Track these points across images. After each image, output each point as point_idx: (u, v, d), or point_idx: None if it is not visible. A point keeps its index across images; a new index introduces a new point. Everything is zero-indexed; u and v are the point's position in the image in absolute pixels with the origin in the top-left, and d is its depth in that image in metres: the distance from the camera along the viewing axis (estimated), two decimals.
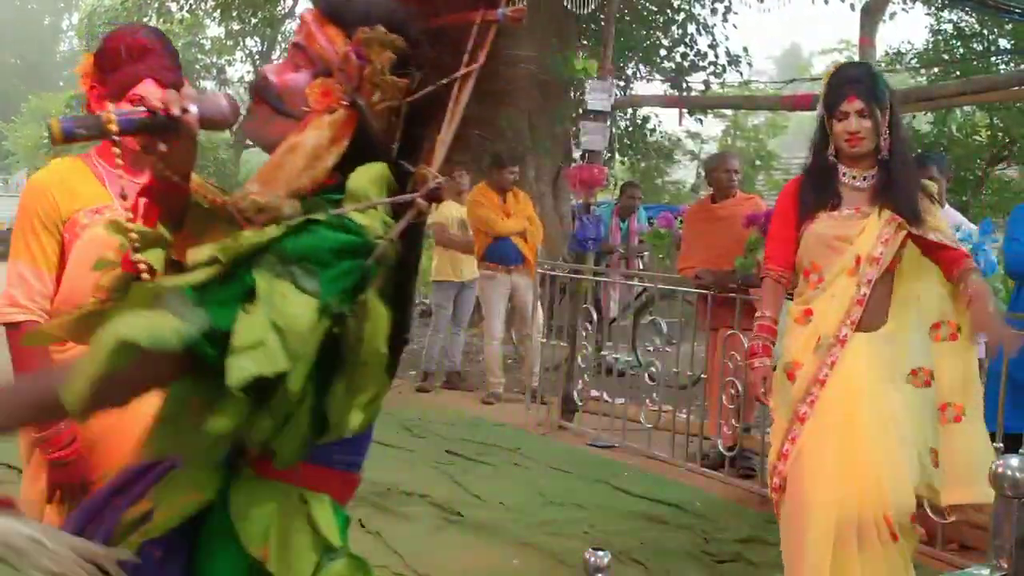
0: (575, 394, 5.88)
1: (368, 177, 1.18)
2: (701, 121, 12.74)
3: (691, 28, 12.00)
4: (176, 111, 1.17)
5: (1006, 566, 1.32)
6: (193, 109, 1.19)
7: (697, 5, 12.14)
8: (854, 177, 2.75)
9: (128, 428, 1.94)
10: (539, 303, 6.40)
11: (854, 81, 2.71)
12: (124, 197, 1.24)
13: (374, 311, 1.13)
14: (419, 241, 1.28)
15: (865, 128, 2.67)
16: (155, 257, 1.25)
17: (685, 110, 8.30)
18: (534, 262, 6.43)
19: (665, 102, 7.98)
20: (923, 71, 12.48)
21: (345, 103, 1.22)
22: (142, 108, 1.18)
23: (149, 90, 1.88)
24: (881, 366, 2.67)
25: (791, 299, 2.93)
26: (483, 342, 9.37)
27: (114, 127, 1.15)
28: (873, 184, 2.73)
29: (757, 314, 2.89)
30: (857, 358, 2.66)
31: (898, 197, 2.69)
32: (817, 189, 2.77)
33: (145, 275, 1.23)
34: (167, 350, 1.01)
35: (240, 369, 1.02)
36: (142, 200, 1.26)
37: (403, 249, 1.19)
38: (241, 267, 1.08)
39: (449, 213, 6.90)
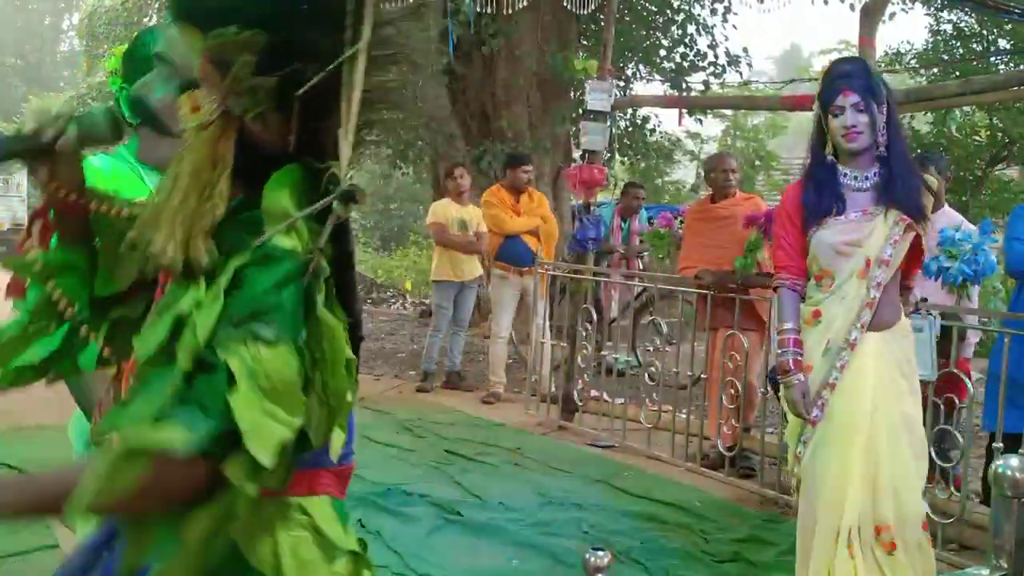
0: (575, 394, 5.89)
1: (282, 191, 1.11)
2: (701, 121, 12.72)
3: (691, 28, 11.97)
4: (48, 136, 1.15)
5: (1006, 566, 1.32)
6: (71, 130, 1.16)
7: (697, 5, 12.12)
8: (855, 178, 2.71)
9: None
10: (540, 305, 6.39)
11: (848, 75, 2.67)
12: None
13: (328, 327, 1.11)
14: (347, 235, 1.20)
15: (862, 122, 2.63)
16: (66, 284, 1.23)
17: (685, 110, 8.29)
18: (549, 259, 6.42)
19: (665, 102, 7.98)
20: (923, 71, 12.47)
21: (217, 115, 1.12)
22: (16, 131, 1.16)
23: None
24: (893, 365, 2.67)
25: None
26: (483, 342, 9.38)
27: None
28: (875, 184, 2.70)
29: (781, 326, 2.81)
30: (866, 359, 2.65)
31: (902, 196, 2.66)
32: (820, 193, 2.72)
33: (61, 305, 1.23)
34: (178, 456, 0.99)
35: (266, 453, 1.00)
36: (36, 223, 1.24)
37: (334, 249, 1.14)
38: (206, 351, 1.04)
39: (449, 213, 6.90)
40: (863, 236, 2.67)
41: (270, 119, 1.14)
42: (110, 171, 1.89)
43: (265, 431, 1.01)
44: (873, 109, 2.64)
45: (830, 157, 2.72)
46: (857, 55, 5.35)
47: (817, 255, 2.74)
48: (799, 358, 2.72)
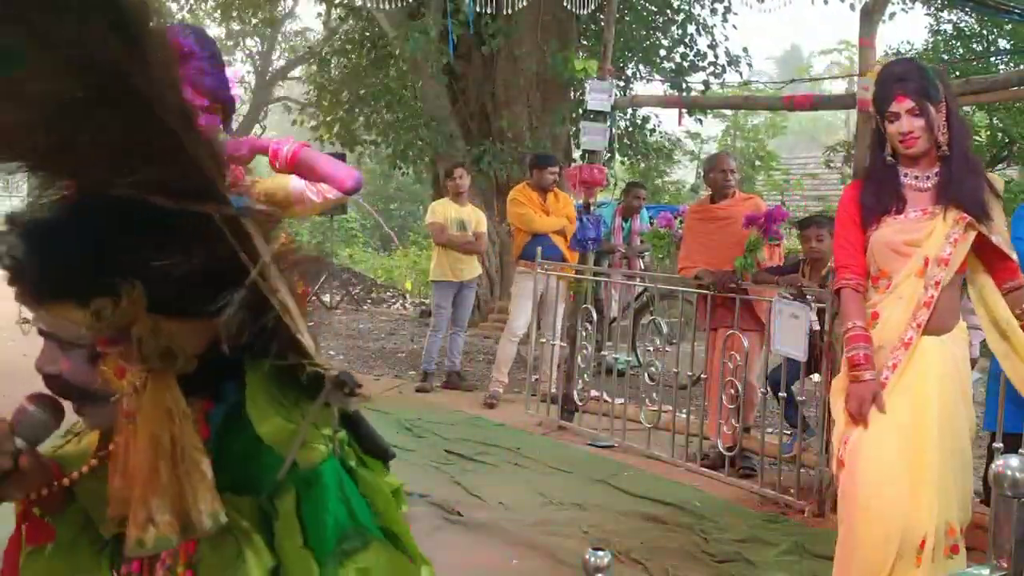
0: (575, 394, 5.88)
1: (267, 412, 1.07)
2: (701, 121, 12.73)
3: (691, 28, 11.98)
4: (5, 467, 1.11)
5: (1006, 566, 1.32)
6: (19, 444, 1.13)
7: (697, 5, 12.13)
8: (916, 177, 2.63)
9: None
10: (561, 307, 6.36)
11: (901, 79, 2.57)
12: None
13: (371, 486, 1.16)
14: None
15: (918, 127, 2.55)
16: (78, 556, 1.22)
17: (685, 110, 8.29)
18: (574, 262, 6.38)
19: (665, 102, 7.97)
20: None
21: (146, 374, 1.03)
22: None
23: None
24: (953, 369, 2.60)
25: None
26: (483, 342, 9.37)
27: None
28: (937, 183, 2.62)
29: (848, 324, 2.66)
30: (927, 363, 2.57)
31: (964, 195, 2.58)
32: (880, 193, 2.65)
33: None
34: None
35: None
36: (24, 527, 1.23)
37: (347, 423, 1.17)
38: None
39: (447, 213, 6.91)
40: (922, 236, 2.59)
41: (199, 344, 1.05)
42: None
43: None
44: (930, 112, 2.55)
45: (889, 159, 2.65)
46: (857, 55, 5.36)
47: (875, 254, 2.66)
48: (870, 353, 2.59)
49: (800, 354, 4.21)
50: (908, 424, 2.54)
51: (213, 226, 0.96)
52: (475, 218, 7.02)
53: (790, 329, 4.25)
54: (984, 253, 2.64)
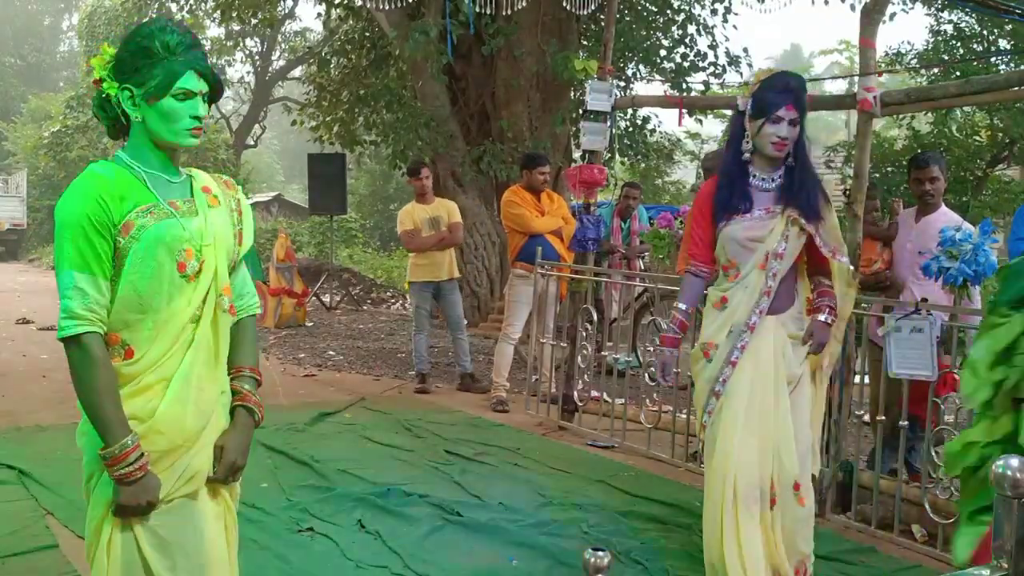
0: (575, 394, 5.88)
1: None
2: (701, 121, 12.75)
3: (691, 29, 12.00)
4: None
5: (1006, 566, 1.32)
6: None
7: (697, 6, 12.15)
8: (763, 179, 3.01)
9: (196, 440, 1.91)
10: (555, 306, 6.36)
11: (794, 92, 2.92)
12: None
13: None
14: None
15: (793, 136, 2.91)
16: None
17: (685, 110, 8.29)
18: (570, 262, 6.36)
19: (665, 102, 7.98)
20: (923, 71, 12.49)
21: None
22: None
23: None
24: (784, 339, 2.98)
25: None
26: (483, 342, 9.37)
27: None
28: (780, 185, 2.99)
29: (677, 306, 3.19)
30: (763, 339, 2.97)
31: (800, 199, 2.97)
32: (731, 193, 3.01)
33: None
34: None
35: None
36: None
37: None
38: None
39: (416, 216, 6.95)
40: (764, 233, 2.97)
41: None
42: (115, 178, 1.84)
43: None
44: (802, 126, 2.94)
45: (746, 155, 2.99)
46: (858, 55, 5.36)
47: (725, 248, 3.04)
48: (676, 336, 3.20)
49: (929, 372, 3.76)
50: (751, 394, 2.95)
51: None
52: (446, 211, 7.03)
53: (911, 346, 3.78)
54: (813, 249, 3.04)
